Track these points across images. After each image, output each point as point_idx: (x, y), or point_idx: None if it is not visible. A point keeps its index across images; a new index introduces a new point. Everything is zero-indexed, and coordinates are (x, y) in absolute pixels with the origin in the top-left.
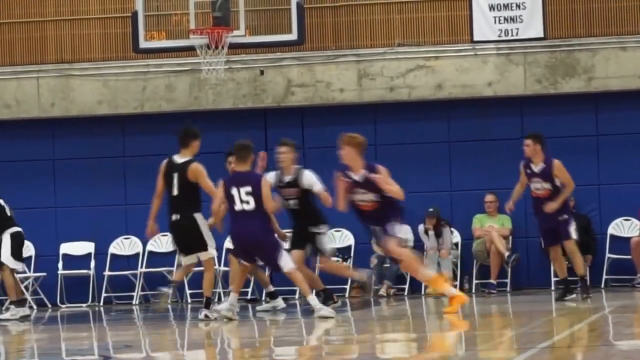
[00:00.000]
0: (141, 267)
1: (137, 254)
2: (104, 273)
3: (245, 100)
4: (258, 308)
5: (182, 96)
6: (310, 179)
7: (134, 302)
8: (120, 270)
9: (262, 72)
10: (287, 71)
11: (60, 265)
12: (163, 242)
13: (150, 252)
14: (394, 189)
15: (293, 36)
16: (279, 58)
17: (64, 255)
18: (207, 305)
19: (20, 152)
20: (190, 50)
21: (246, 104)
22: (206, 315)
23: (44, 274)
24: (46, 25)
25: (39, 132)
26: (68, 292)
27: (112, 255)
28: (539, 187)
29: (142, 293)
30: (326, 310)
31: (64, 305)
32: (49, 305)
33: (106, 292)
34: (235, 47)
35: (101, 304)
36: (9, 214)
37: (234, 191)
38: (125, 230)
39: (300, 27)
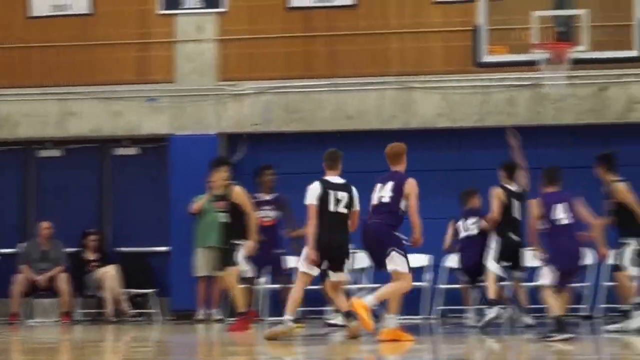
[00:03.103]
0: None
1: None
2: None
3: (587, 116)
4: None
5: (522, 111)
6: None
7: None
8: None
9: (603, 89)
10: (629, 87)
11: None
12: None
13: None
14: None
15: (635, 52)
16: (620, 74)
17: None
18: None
19: (359, 164)
20: (531, 64)
21: (587, 120)
22: None
23: None
24: (389, 38)
25: (378, 143)
26: None
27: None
28: None
29: None
30: None
31: None
32: None
33: None
34: (577, 63)
35: None
36: None
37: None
38: None
39: None
